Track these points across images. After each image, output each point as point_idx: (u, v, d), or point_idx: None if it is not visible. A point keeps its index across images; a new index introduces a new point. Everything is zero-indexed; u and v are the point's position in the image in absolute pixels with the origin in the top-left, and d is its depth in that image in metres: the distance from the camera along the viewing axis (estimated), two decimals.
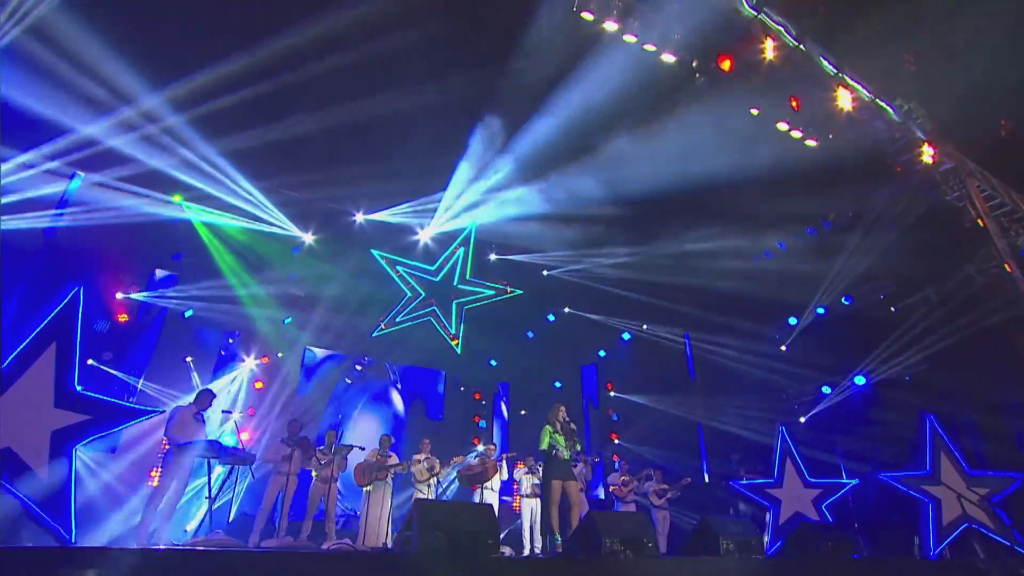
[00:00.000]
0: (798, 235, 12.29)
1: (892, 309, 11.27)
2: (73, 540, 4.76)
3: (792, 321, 12.20)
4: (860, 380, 10.94)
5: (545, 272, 12.40)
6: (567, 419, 6.70)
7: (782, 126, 9.24)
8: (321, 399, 13.21)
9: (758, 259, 12.81)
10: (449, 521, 4.36)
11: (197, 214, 9.42)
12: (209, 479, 6.13)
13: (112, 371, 9.22)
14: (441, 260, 11.78)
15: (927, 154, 9.79)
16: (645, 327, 13.53)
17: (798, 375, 11.89)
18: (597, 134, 9.16)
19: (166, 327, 10.52)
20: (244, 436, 11.29)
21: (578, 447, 7.02)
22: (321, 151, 9.36)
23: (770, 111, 9.11)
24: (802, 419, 11.60)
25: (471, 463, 8.79)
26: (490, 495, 8.61)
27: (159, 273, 10.34)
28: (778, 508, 9.16)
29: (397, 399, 14.45)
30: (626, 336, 14.00)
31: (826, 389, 11.34)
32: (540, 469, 9.15)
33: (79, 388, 5.25)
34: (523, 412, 14.94)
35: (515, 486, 10.23)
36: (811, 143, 9.66)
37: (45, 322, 5.21)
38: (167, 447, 6.45)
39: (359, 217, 10.72)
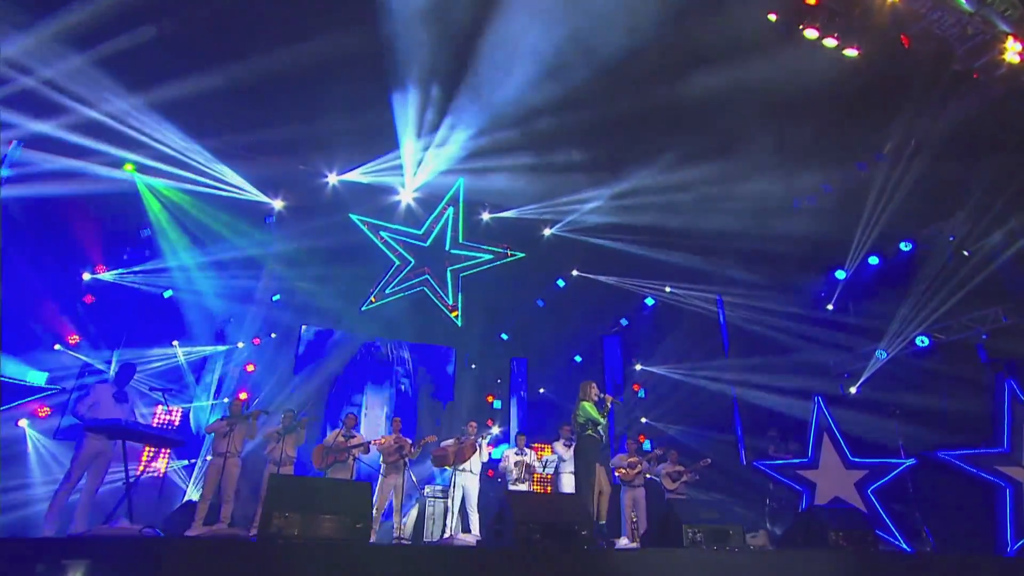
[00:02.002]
0: (846, 172, 10.86)
1: (965, 253, 9.74)
2: None
3: (839, 275, 10.82)
4: (922, 341, 9.54)
5: (547, 231, 11.54)
6: (602, 396, 6.51)
7: (810, 33, 7.96)
8: (321, 381, 13.01)
9: (799, 203, 11.48)
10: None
11: (151, 187, 9.20)
12: (125, 463, 5.82)
13: (82, 357, 9.21)
14: (429, 222, 11.19)
15: (1012, 51, 8.06)
16: (669, 289, 12.45)
17: (847, 338, 10.56)
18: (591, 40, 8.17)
19: (143, 308, 10.47)
20: (242, 396, 11.35)
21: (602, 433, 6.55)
22: (275, 105, 8.91)
23: (793, 15, 7.89)
24: (852, 389, 10.29)
25: (446, 444, 8.23)
26: (468, 478, 8.02)
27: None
28: (812, 492, 8.09)
29: (404, 379, 14.09)
30: (649, 301, 12.97)
31: (880, 353, 9.98)
32: (528, 452, 8.56)
33: None
34: (541, 390, 14.28)
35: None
36: (851, 52, 8.36)
37: None
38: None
39: (332, 178, 10.23)
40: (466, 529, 7.67)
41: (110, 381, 6.19)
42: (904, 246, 10.25)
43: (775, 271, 11.44)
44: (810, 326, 10.92)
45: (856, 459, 8.19)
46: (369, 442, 7.79)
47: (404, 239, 11.22)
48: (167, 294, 10.71)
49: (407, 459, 8.00)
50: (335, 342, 13.29)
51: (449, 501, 8.01)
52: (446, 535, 7.70)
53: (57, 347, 9.00)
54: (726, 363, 12.07)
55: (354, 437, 7.92)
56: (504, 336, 14.01)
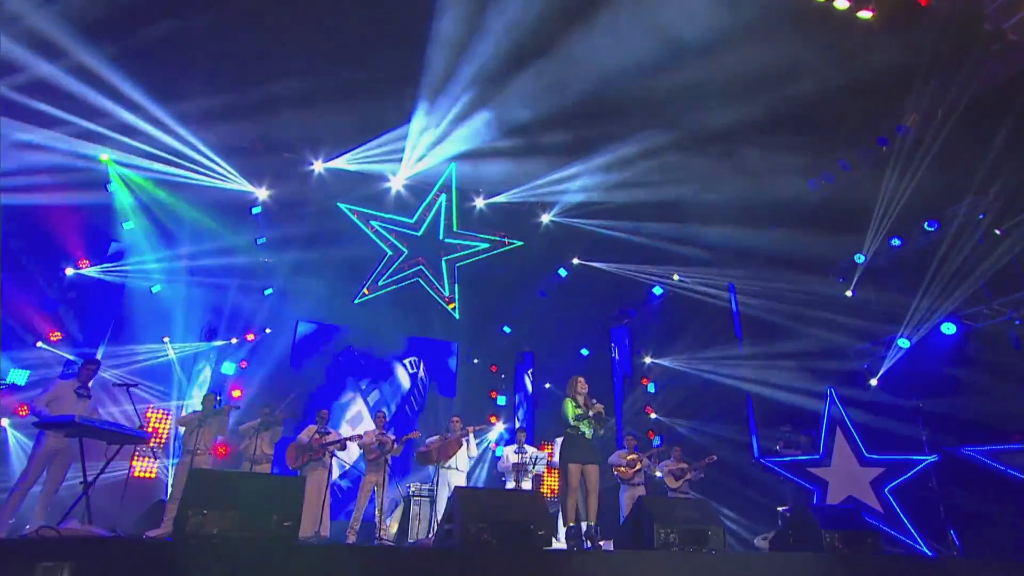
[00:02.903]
0: (866, 148, 10.34)
1: (997, 232, 9.16)
2: None
3: (859, 258, 10.31)
4: (949, 328, 9.00)
5: (545, 218, 11.23)
6: (587, 392, 6.24)
7: None
8: (317, 377, 12.95)
9: (816, 184, 10.99)
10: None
11: (126, 178, 9.16)
12: (84, 462, 5.74)
13: (65, 354, 9.23)
14: (421, 211, 10.98)
15: None
16: (677, 277, 12.06)
17: (868, 326, 10.05)
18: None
19: (130, 304, 10.49)
20: (236, 392, 11.33)
21: (602, 432, 6.23)
22: (257, 90, 8.78)
23: None
24: (873, 381, 9.79)
25: (430, 441, 8.04)
26: (455, 476, 7.82)
27: (114, 246, 10.27)
28: (824, 491, 7.69)
29: (403, 375, 13.95)
30: (657, 291, 12.59)
31: (903, 343, 9.46)
32: (529, 449, 8.32)
33: None
34: (548, 385, 14.03)
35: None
36: (865, 15, 7.96)
37: None
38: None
39: (317, 166, 10.09)
40: None
41: (73, 377, 6.11)
42: (929, 226, 9.68)
43: (790, 256, 10.97)
44: (828, 314, 10.44)
45: (872, 456, 7.75)
46: (345, 439, 7.63)
47: (396, 228, 11.04)
48: (155, 289, 10.73)
49: (390, 456, 7.84)
50: (332, 337, 13.22)
51: (435, 500, 7.84)
52: (431, 536, 7.52)
53: (40, 344, 9.03)
54: (739, 354, 11.64)
55: (329, 434, 7.77)
56: (507, 329, 13.77)
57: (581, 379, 6.28)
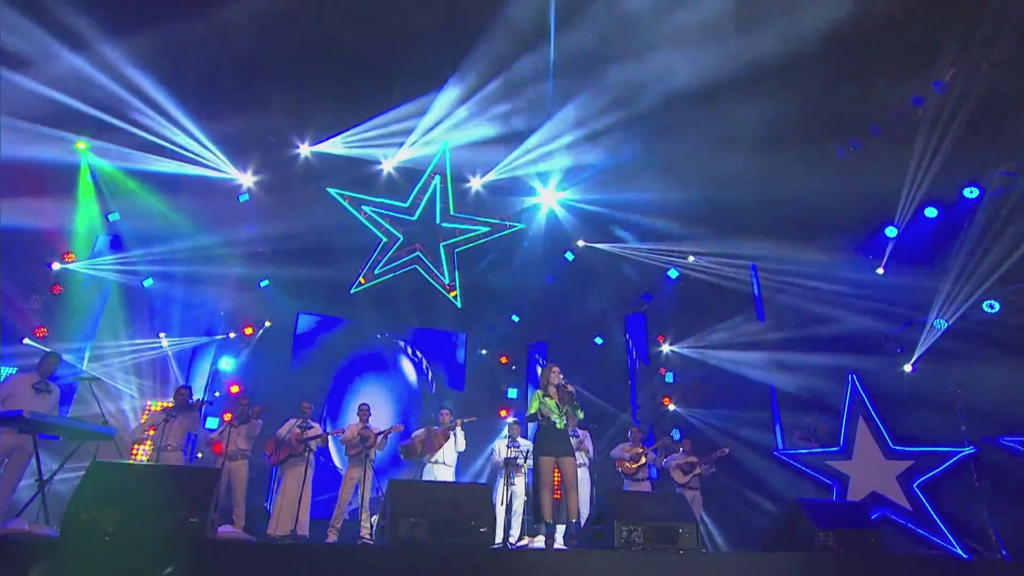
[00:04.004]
0: (899, 110, 9.69)
1: None
2: None
3: (890, 232, 9.67)
4: (991, 306, 8.34)
5: (546, 199, 10.90)
6: (564, 382, 6.05)
7: None
8: (320, 371, 12.92)
9: (844, 152, 10.38)
10: (429, 506, 3.80)
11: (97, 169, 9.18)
12: (38, 460, 5.72)
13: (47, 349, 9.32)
14: (415, 194, 10.78)
15: None
16: (692, 258, 11.58)
17: (901, 306, 9.41)
18: None
19: (122, 299, 10.58)
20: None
21: (580, 414, 6.14)
22: (236, 67, 8.69)
23: None
24: (907, 367, 9.17)
25: (415, 434, 7.86)
26: (442, 471, 7.62)
27: (102, 239, 10.36)
28: (844, 487, 7.21)
29: (409, 368, 13.84)
30: (673, 273, 12.12)
31: (939, 323, 8.82)
32: (523, 442, 8.06)
33: None
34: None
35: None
36: None
37: None
38: None
39: (303, 149, 9.97)
40: None
41: (32, 371, 6.11)
42: (969, 192, 9.00)
43: (815, 231, 10.39)
44: (857, 293, 9.84)
45: (899, 447, 7.23)
46: (327, 432, 7.50)
47: (389, 213, 10.87)
48: (147, 283, 10.79)
49: (374, 451, 7.70)
50: (334, 329, 13.18)
51: None
52: None
53: (27, 341, 9.15)
54: (762, 340, 11.12)
55: (311, 428, 7.65)
56: (515, 318, 13.50)
57: (556, 368, 6.10)
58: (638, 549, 3.74)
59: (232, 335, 12.04)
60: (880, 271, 9.91)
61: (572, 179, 10.28)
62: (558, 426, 5.77)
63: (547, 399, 5.91)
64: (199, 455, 9.66)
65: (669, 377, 12.71)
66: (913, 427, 7.41)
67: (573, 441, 8.03)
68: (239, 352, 12.01)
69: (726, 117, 9.32)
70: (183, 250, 10.61)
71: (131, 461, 7.81)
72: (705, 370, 11.90)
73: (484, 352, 13.82)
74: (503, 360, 13.92)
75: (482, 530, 3.62)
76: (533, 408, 5.82)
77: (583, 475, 7.91)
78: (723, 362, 11.56)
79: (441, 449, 7.61)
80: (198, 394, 11.31)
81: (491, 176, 10.44)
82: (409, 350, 13.89)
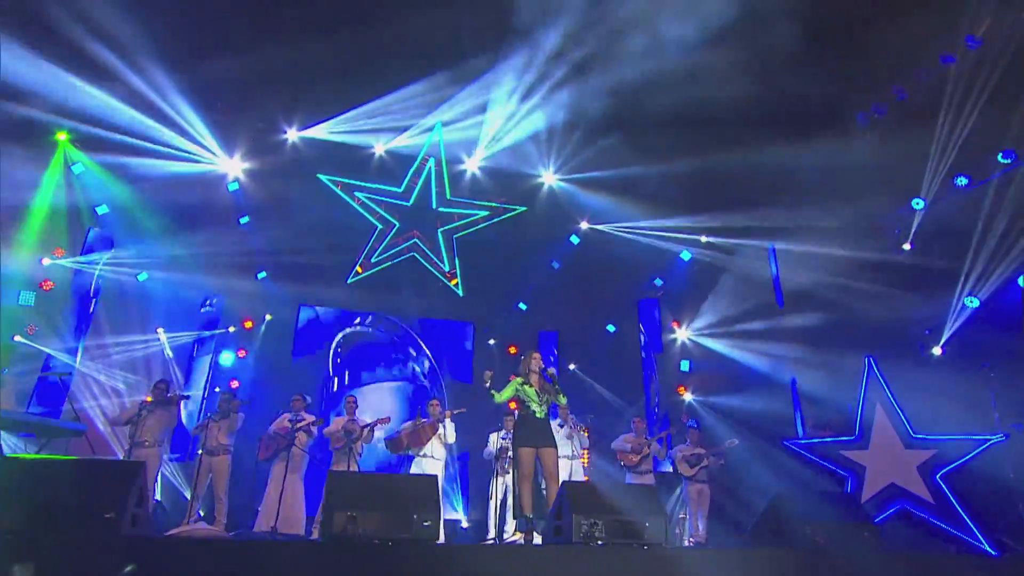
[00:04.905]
0: (926, 70, 9.22)
1: None
2: None
3: (917, 204, 9.21)
4: None
5: (547, 179, 10.67)
6: (543, 367, 5.96)
7: None
8: (322, 365, 12.94)
9: (866, 118, 9.94)
10: (371, 499, 3.63)
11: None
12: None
13: (45, 348, 9.48)
14: (409, 178, 10.67)
15: None
16: (706, 239, 11.24)
17: (928, 284, 8.98)
18: None
19: (116, 295, 10.69)
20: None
21: (563, 400, 6.10)
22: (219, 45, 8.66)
23: None
24: (937, 349, 8.76)
25: (403, 427, 7.78)
26: (430, 465, 7.53)
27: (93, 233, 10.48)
28: (860, 479, 6.89)
29: (414, 360, 13.79)
30: (685, 256, 11.80)
31: (971, 301, 8.38)
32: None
33: None
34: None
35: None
36: None
37: None
38: None
39: (291, 134, 9.94)
40: None
41: None
42: (1004, 158, 8.51)
43: (836, 203, 9.97)
44: (881, 271, 9.43)
45: (920, 436, 6.87)
46: (307, 423, 7.47)
47: (383, 199, 10.78)
48: (141, 277, 10.91)
49: (360, 444, 7.65)
50: (337, 321, 13.17)
51: None
52: None
53: (18, 338, 9.32)
54: (780, 325, 10.75)
55: (302, 421, 7.62)
56: (522, 306, 13.32)
57: (537, 355, 6.01)
58: (596, 544, 3.56)
59: (232, 329, 12.09)
60: (907, 247, 9.49)
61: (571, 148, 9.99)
62: (537, 415, 5.66)
63: (525, 387, 5.80)
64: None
65: (685, 365, 12.42)
66: (937, 414, 7.03)
67: (564, 431, 7.91)
68: (240, 346, 12.07)
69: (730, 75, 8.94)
70: (175, 244, 10.68)
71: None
72: (721, 358, 11.59)
73: (492, 343, 13.66)
74: (512, 350, 13.75)
75: (425, 524, 3.49)
76: (505, 395, 5.73)
77: (577, 467, 7.75)
78: (740, 349, 11.24)
79: (430, 442, 7.51)
80: (197, 390, 11.60)
81: (485, 154, 10.20)
82: (415, 341, 13.83)
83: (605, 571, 3.48)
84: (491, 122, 9.77)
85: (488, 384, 5.61)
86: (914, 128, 9.21)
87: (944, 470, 6.68)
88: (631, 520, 3.73)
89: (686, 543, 7.81)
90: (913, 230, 9.27)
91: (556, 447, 5.71)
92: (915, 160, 9.26)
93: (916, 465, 6.76)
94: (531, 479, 5.36)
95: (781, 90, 8.85)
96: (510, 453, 7.36)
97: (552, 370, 6.04)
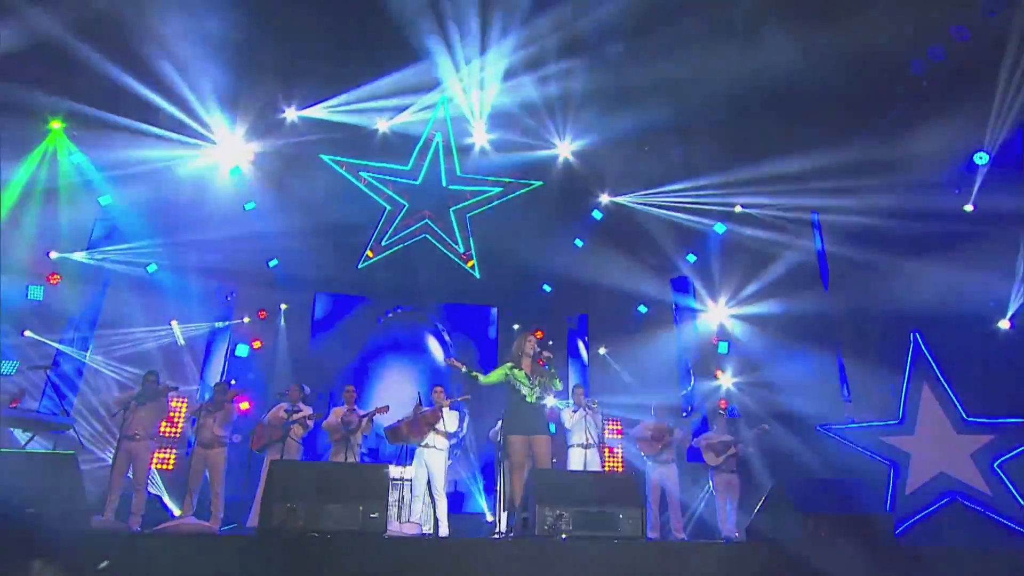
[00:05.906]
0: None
1: None
2: None
3: (980, 159, 8.45)
4: None
5: (563, 150, 10.29)
6: (539, 350, 5.85)
7: None
8: (341, 354, 12.93)
9: (920, 65, 9.19)
10: (316, 490, 3.50)
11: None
12: None
13: (50, 342, 9.71)
14: (416, 155, 10.47)
15: None
16: (740, 208, 10.66)
17: (992, 249, 8.23)
18: None
19: (126, 287, 10.89)
20: (244, 405, 11.50)
21: (558, 385, 5.87)
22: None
23: None
24: (1004, 323, 8.02)
25: (404, 416, 7.62)
26: (433, 455, 7.35)
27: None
28: (904, 467, 6.36)
29: (436, 346, 13.65)
30: (719, 228, 11.24)
31: None
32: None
33: None
34: (602, 351, 13.18)
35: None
36: None
37: None
38: None
39: (290, 114, 9.86)
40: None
41: None
42: None
43: (887, 162, 9.27)
44: (939, 236, 8.70)
45: (975, 419, 6.29)
46: (304, 415, 7.39)
47: (390, 178, 10.62)
48: (151, 268, 11.08)
49: (359, 434, 7.56)
50: (354, 309, 13.14)
51: (413, 483, 7.45)
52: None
53: (28, 333, 9.58)
54: (826, 300, 10.13)
55: (299, 412, 7.55)
56: (547, 288, 13.00)
57: (531, 338, 5.93)
58: (561, 537, 3.28)
59: (247, 319, 12.19)
60: (968, 208, 8.73)
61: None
62: (528, 400, 5.51)
63: (516, 371, 5.65)
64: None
65: (723, 347, 11.90)
66: (994, 394, 6.42)
67: (577, 416, 7.64)
68: (255, 336, 12.16)
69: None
70: (182, 234, 10.79)
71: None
72: (761, 340, 11.04)
73: (517, 327, 13.39)
74: (538, 335, 13.45)
75: (372, 515, 3.29)
76: (492, 378, 5.65)
77: (592, 457, 7.46)
78: (783, 327, 10.66)
79: (432, 432, 7.33)
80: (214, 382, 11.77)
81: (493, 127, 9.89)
82: (438, 327, 13.69)
83: (569, 568, 3.20)
84: (498, 93, 9.46)
85: (464, 369, 5.43)
86: (976, 72, 8.47)
87: (1004, 457, 6.09)
88: (602, 511, 3.43)
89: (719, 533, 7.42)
90: (975, 188, 8.50)
91: (549, 434, 5.48)
92: (979, 109, 8.51)
93: (970, 452, 6.19)
94: (522, 468, 5.14)
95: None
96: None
97: (548, 354, 5.82)
